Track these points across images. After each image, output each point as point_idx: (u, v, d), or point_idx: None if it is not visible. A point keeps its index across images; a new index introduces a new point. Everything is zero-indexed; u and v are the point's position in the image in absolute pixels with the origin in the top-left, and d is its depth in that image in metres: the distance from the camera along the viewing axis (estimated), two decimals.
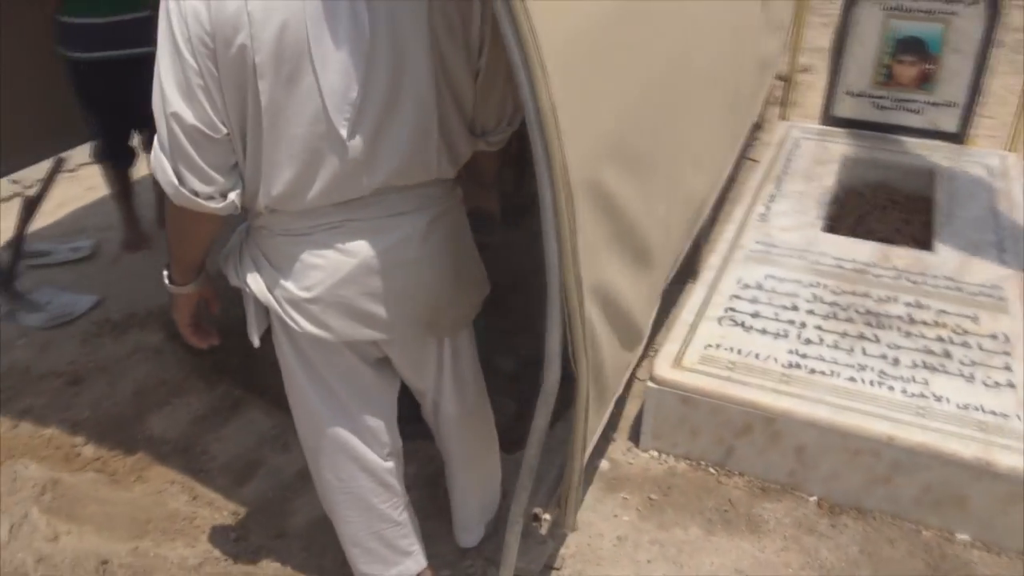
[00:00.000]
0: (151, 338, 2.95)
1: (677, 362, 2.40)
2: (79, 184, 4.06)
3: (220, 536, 2.12)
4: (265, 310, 1.61)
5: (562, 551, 2.11)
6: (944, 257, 2.92)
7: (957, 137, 3.86)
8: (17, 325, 3.05)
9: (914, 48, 3.80)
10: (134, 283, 3.26)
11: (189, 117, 1.31)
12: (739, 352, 2.43)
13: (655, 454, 2.44)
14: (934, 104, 3.85)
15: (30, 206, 3.26)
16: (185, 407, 2.63)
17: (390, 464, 1.80)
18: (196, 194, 1.39)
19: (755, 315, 2.59)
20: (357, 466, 1.76)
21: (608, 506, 2.27)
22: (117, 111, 3.16)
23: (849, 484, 2.23)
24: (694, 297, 2.70)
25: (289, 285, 1.52)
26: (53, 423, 2.50)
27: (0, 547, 1.70)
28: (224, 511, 2.22)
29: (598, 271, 1.52)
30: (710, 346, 2.46)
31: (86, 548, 1.79)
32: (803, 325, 2.54)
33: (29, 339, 2.98)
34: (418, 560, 1.92)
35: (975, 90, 3.76)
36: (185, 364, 2.81)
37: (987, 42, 3.67)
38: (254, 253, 1.57)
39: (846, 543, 2.14)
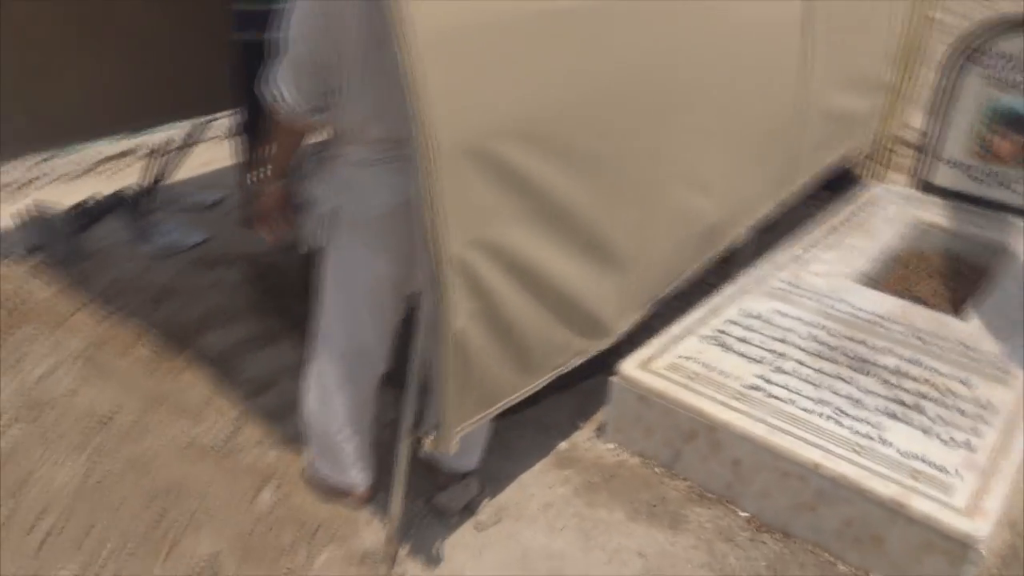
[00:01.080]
0: (229, 276, 3.45)
1: (645, 365, 2.56)
2: (226, 150, 4.71)
3: (218, 428, 2.51)
4: (325, 222, 1.98)
5: (488, 500, 2.33)
6: (970, 326, 2.87)
7: None
8: (135, 248, 3.65)
9: (1015, 123, 3.71)
10: (234, 235, 3.80)
11: (309, 50, 1.73)
12: (707, 367, 2.55)
13: (612, 447, 2.60)
14: None
15: (169, 155, 3.89)
16: (235, 331, 3.08)
17: (375, 383, 2.11)
18: (296, 109, 1.82)
19: (742, 340, 2.70)
20: (355, 372, 2.08)
21: (549, 478, 2.46)
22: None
23: (778, 505, 2.30)
24: (692, 315, 2.84)
25: (350, 204, 1.91)
26: (128, 325, 3.01)
27: (28, 384, 2.16)
28: (232, 412, 2.61)
29: (495, 232, 1.76)
30: (683, 357, 2.60)
31: (99, 406, 2.22)
32: (783, 356, 2.62)
33: (140, 261, 3.57)
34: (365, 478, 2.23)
35: None
36: (246, 299, 3.27)
37: None
38: (328, 177, 1.97)
39: (757, 557, 2.21)
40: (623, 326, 2.49)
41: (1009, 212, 3.74)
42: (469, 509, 2.30)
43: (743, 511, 2.37)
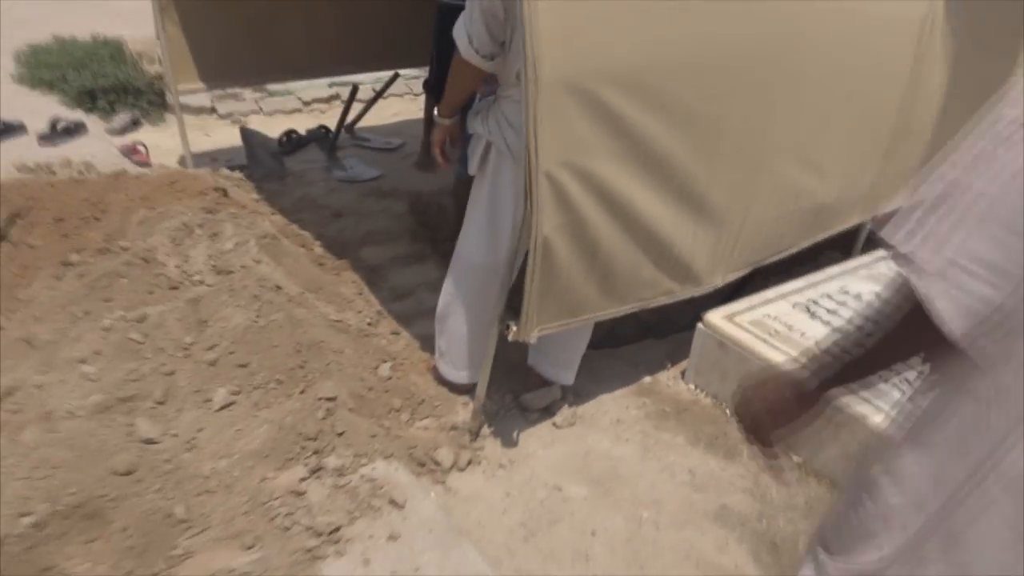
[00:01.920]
0: (395, 207, 4.00)
1: (731, 317, 2.82)
2: (416, 104, 5.31)
3: (360, 316, 3.02)
4: (483, 152, 2.41)
5: (568, 407, 2.70)
6: None
7: None
8: (327, 175, 4.29)
9: None
10: (406, 175, 4.35)
11: (487, 4, 2.15)
12: (789, 327, 2.77)
13: (692, 387, 2.88)
14: None
15: (368, 101, 4.50)
16: (391, 249, 3.62)
17: (501, 299, 2.42)
18: (477, 52, 2.24)
19: (831, 312, 2.88)
20: (485, 284, 2.44)
21: (627, 401, 2.79)
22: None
23: (829, 455, 2.50)
24: (791, 285, 3.05)
25: (512, 138, 2.29)
26: (309, 231, 3.61)
27: (221, 252, 2.75)
28: (374, 308, 3.13)
29: (587, 160, 2.11)
30: (769, 316, 2.83)
31: (273, 277, 2.78)
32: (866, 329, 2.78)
33: (327, 184, 4.20)
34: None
35: None
36: (404, 225, 3.81)
37: None
38: (496, 113, 2.35)
39: (798, 494, 2.44)
40: (717, 279, 2.76)
41: None
42: (549, 411, 2.68)
43: (796, 456, 2.59)
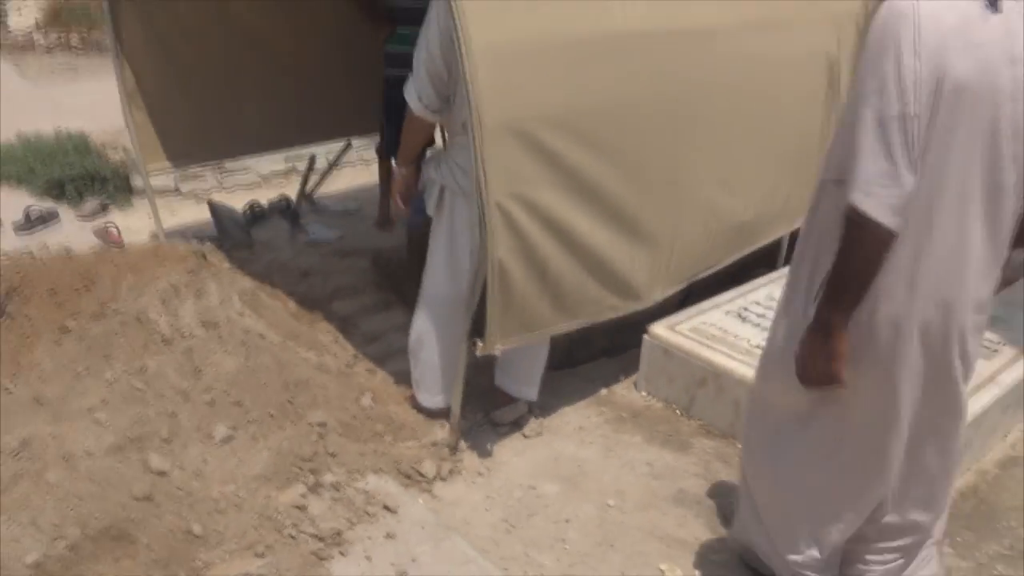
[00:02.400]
0: (359, 263, 4.29)
1: (673, 327, 3.16)
2: (368, 171, 5.65)
3: (339, 359, 3.28)
4: (441, 193, 2.71)
5: (533, 419, 2.98)
6: None
7: None
8: (292, 240, 4.58)
9: None
10: (365, 234, 4.67)
11: (429, 65, 2.48)
12: (723, 331, 3.12)
13: (644, 394, 3.19)
14: None
15: (323, 170, 4.83)
16: (359, 300, 3.90)
17: (466, 328, 2.65)
18: (427, 108, 2.56)
19: (760, 316, 3.24)
20: (451, 315, 2.70)
21: (588, 412, 3.09)
22: (402, 121, 4.57)
23: None
24: (723, 296, 3.40)
25: (463, 180, 2.59)
26: (281, 291, 3.87)
27: (207, 308, 3.01)
28: (350, 351, 3.39)
29: (529, 190, 2.45)
30: (706, 323, 3.18)
31: (257, 327, 3.04)
32: None
33: (293, 248, 4.48)
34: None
35: None
36: (369, 279, 4.10)
37: None
38: (447, 159, 2.68)
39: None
40: (656, 295, 3.10)
41: None
42: (518, 425, 2.96)
43: (740, 444, 2.89)
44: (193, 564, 2.13)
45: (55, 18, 11.48)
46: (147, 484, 2.28)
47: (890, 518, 1.98)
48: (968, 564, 2.42)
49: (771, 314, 3.24)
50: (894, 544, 2.04)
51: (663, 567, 2.34)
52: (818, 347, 1.73)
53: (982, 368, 2.92)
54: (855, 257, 1.63)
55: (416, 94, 2.58)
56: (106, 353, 2.77)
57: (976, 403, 2.73)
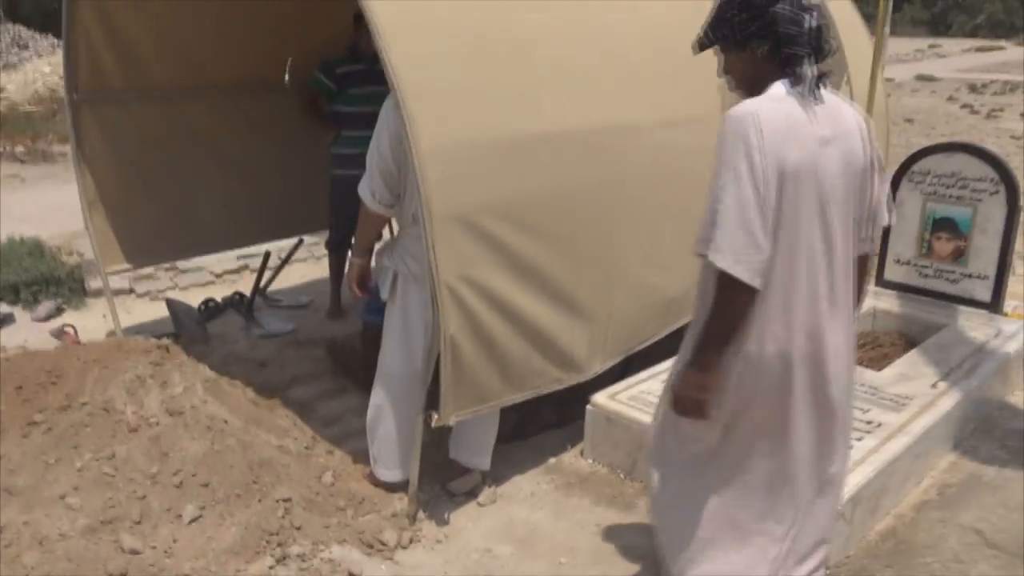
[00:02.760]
0: (314, 352, 4.46)
1: (613, 396, 3.39)
2: (318, 266, 5.87)
3: (299, 441, 3.42)
4: (394, 279, 2.96)
5: (487, 488, 3.16)
6: (882, 376, 3.61)
7: (992, 306, 4.40)
8: (247, 334, 4.73)
9: (948, 227, 4.49)
10: (319, 327, 4.86)
11: (381, 165, 2.77)
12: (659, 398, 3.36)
13: (590, 461, 3.40)
14: (968, 276, 4.46)
15: (276, 266, 5.04)
16: (315, 387, 4.06)
17: (420, 404, 2.86)
18: (380, 203, 2.84)
19: None
20: (407, 392, 2.93)
21: (538, 479, 3.28)
22: (351, 217, 4.80)
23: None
24: (659, 367, 3.66)
25: (414, 266, 2.86)
26: (240, 381, 4.01)
27: (171, 396, 3.14)
28: (309, 434, 3.54)
29: (475, 272, 2.71)
30: (644, 391, 3.42)
31: (220, 413, 3.18)
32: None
33: (248, 342, 4.63)
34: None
35: (1003, 266, 4.35)
36: (324, 367, 4.27)
37: (1009, 224, 4.29)
38: (399, 248, 2.95)
39: None
40: (596, 367, 3.35)
41: (949, 300, 4.47)
42: (473, 494, 3.13)
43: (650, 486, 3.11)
44: None
45: None
46: (122, 562, 2.39)
47: (804, 538, 2.22)
48: None
49: None
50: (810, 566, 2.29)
51: None
52: (693, 381, 2.08)
53: (893, 419, 3.22)
54: (728, 309, 1.98)
55: (370, 191, 2.85)
56: (75, 443, 2.89)
57: (888, 451, 3.01)
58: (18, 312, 4.87)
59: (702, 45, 2.14)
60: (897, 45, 40.51)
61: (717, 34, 2.08)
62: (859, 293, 2.28)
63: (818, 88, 2.03)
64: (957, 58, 31.52)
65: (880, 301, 4.57)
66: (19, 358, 3.43)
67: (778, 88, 2.02)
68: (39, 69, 16.50)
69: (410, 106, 2.54)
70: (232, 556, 2.53)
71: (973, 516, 3.05)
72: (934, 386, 3.52)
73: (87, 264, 5.44)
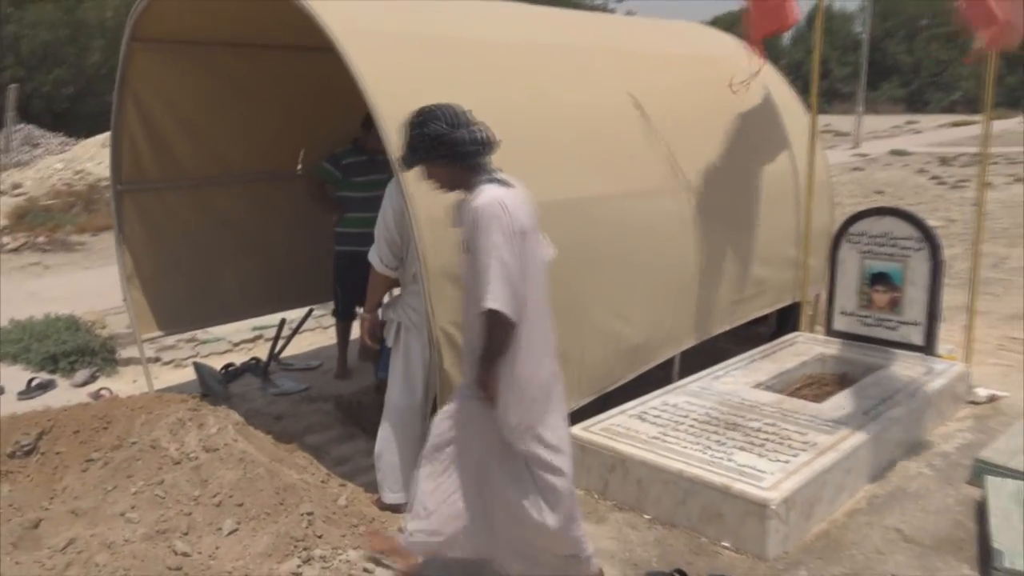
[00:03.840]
0: (324, 407, 5.01)
1: (587, 428, 3.93)
2: (325, 335, 6.45)
3: (315, 476, 3.94)
4: (397, 329, 3.56)
5: None
6: (824, 406, 4.15)
7: (926, 349, 4.98)
8: (264, 393, 5.28)
9: (883, 281, 5.10)
10: (328, 386, 5.41)
11: (387, 236, 3.41)
12: (627, 428, 3.91)
13: None
14: (904, 323, 5.05)
15: (288, 334, 5.62)
16: (327, 434, 4.59)
17: (420, 434, 3.48)
18: (387, 267, 3.45)
19: (657, 416, 4.05)
20: (410, 424, 3.52)
21: None
22: (355, 288, 5.38)
23: (664, 506, 3.55)
24: (628, 404, 4.21)
25: (415, 317, 3.47)
26: (261, 430, 4.54)
27: (207, 436, 3.67)
28: (324, 471, 4.05)
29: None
30: (614, 424, 3.96)
31: (249, 450, 3.70)
32: (681, 422, 3.95)
33: (265, 399, 5.18)
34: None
35: (932, 313, 4.94)
36: (335, 418, 4.81)
37: (934, 276, 4.90)
38: (401, 303, 3.57)
39: (649, 535, 3.46)
40: (571, 403, 3.90)
41: (890, 345, 5.04)
42: None
43: (646, 514, 3.62)
44: None
45: (19, 221, 12.35)
46: (177, 561, 2.89)
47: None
48: None
49: (665, 416, 4.06)
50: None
51: None
52: (485, 383, 2.74)
53: (826, 440, 3.75)
54: (498, 338, 2.67)
55: (378, 258, 3.48)
56: (128, 474, 3.41)
57: (818, 464, 3.54)
58: (58, 379, 5.41)
59: (408, 164, 2.83)
60: (875, 122, 42.10)
61: (416, 157, 2.78)
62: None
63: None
64: (932, 133, 32.83)
65: (828, 348, 5.14)
66: (74, 409, 3.98)
67: (487, 183, 2.72)
68: (52, 166, 17.38)
69: (410, 188, 3.17)
70: (265, 558, 3.03)
71: (896, 519, 3.56)
72: (866, 414, 4.06)
73: (117, 337, 6.02)
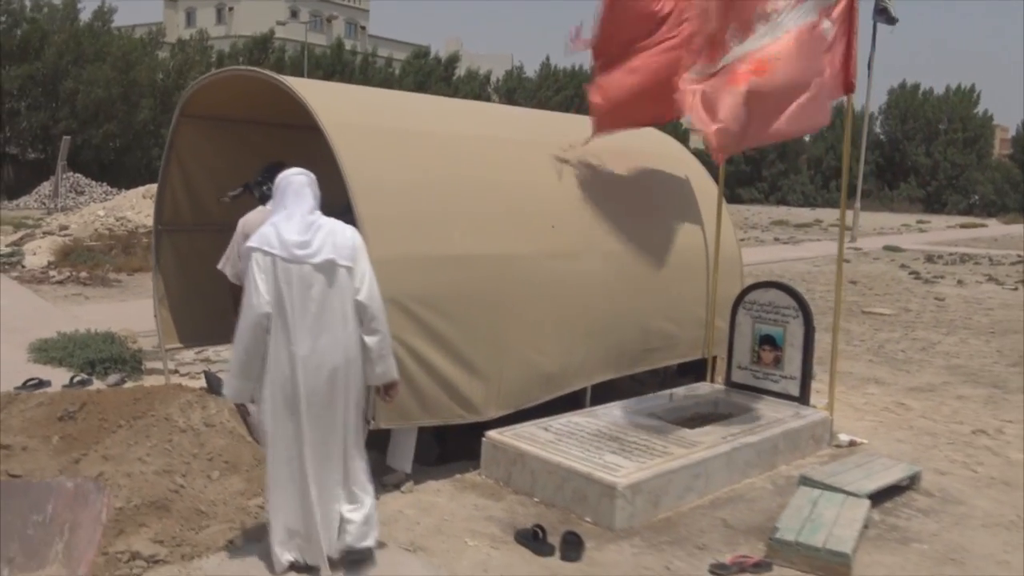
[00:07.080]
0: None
1: (501, 433, 5.04)
2: None
3: None
4: None
5: (409, 483, 4.76)
6: (693, 431, 5.24)
7: (800, 399, 6.05)
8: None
9: (769, 341, 6.22)
10: None
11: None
12: (531, 435, 5.02)
13: (483, 476, 5.00)
14: (784, 377, 6.14)
15: None
16: None
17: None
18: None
19: (558, 429, 5.15)
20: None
21: (445, 485, 4.88)
22: None
23: (548, 490, 4.64)
24: (538, 420, 5.32)
25: None
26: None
27: (208, 415, 4.83)
28: None
29: (406, 333, 4.47)
30: (523, 432, 5.08)
31: (237, 427, 4.85)
32: (575, 434, 5.06)
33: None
34: None
35: (805, 369, 6.04)
36: None
37: (807, 339, 6.01)
38: None
39: (532, 511, 4.54)
40: (491, 414, 5.04)
41: (774, 395, 6.13)
42: (398, 486, 4.74)
43: (535, 497, 4.70)
44: (200, 525, 3.85)
45: (64, 258, 13.79)
46: (175, 489, 4.03)
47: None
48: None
49: (565, 429, 5.17)
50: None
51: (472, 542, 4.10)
52: None
53: (680, 452, 4.83)
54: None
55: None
56: (146, 435, 4.58)
57: (665, 467, 4.62)
58: (95, 379, 6.62)
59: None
60: (887, 219, 43.27)
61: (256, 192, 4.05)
62: None
63: None
64: (938, 232, 33.93)
65: (723, 395, 6.24)
66: (107, 391, 5.18)
67: None
68: (95, 212, 19.03)
69: (366, 229, 4.40)
70: (239, 495, 4.16)
71: (726, 513, 4.62)
72: (724, 439, 5.14)
73: (145, 352, 7.24)
